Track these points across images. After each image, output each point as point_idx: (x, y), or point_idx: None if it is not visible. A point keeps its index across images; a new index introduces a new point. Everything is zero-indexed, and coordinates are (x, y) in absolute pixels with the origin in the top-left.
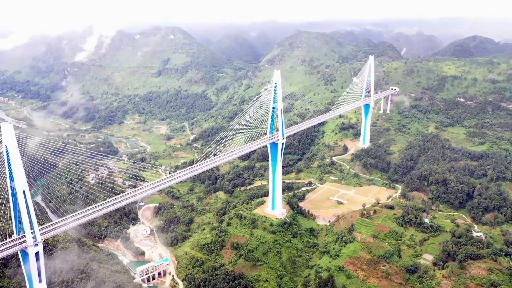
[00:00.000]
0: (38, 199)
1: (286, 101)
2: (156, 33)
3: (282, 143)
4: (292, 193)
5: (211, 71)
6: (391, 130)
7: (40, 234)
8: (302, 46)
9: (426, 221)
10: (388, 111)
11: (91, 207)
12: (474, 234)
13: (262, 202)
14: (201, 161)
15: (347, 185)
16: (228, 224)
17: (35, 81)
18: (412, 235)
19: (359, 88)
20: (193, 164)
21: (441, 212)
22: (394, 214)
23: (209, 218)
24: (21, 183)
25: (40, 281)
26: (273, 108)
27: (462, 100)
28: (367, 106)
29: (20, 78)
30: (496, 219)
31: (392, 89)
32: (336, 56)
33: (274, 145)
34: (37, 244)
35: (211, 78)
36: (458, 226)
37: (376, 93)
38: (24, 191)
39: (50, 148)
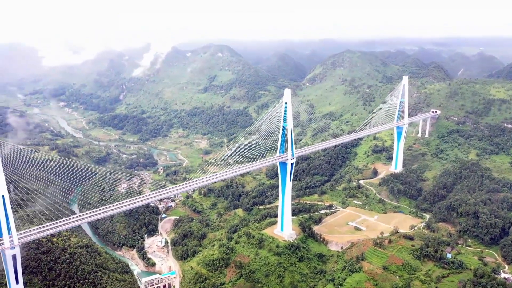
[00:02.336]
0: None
1: (323, 120)
2: (206, 51)
3: (292, 163)
4: (308, 215)
5: (253, 89)
6: (427, 155)
7: (18, 238)
8: (344, 65)
9: (449, 256)
10: (426, 135)
11: (76, 215)
12: (502, 275)
13: (274, 222)
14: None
15: (370, 211)
16: (237, 242)
17: (97, 94)
18: (429, 270)
19: (393, 109)
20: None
21: (469, 248)
22: (412, 246)
23: (221, 234)
24: (0, 188)
25: (17, 282)
26: (284, 127)
27: (509, 126)
28: (400, 129)
29: (85, 91)
30: None
31: (432, 111)
32: (380, 76)
33: (283, 164)
34: (14, 247)
35: (253, 95)
36: (485, 264)
37: (416, 115)
38: (3, 196)
39: (94, 157)
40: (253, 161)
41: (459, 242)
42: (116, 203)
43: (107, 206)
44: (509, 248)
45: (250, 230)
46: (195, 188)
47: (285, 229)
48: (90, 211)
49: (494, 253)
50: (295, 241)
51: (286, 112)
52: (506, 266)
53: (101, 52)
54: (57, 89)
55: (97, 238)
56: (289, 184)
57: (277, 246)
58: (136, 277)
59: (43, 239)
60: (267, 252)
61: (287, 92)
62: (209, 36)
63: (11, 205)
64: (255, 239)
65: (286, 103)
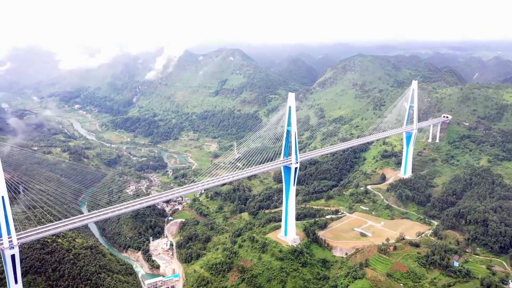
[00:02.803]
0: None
1: (333, 125)
2: (218, 54)
3: (296, 168)
4: (313, 220)
5: (264, 92)
6: (437, 161)
7: (17, 238)
8: (355, 69)
9: (456, 264)
10: (437, 140)
11: (75, 217)
12: (510, 285)
13: (278, 227)
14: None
15: (377, 217)
16: (240, 246)
17: (111, 97)
18: (435, 279)
19: (403, 114)
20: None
21: (477, 256)
22: (418, 253)
23: (225, 238)
24: (0, 189)
25: (16, 282)
26: (288, 131)
27: None
28: (409, 134)
29: (100, 94)
30: None
31: (444, 116)
32: (391, 80)
33: (287, 169)
34: (13, 247)
35: (264, 99)
36: (494, 273)
37: (427, 120)
38: (3, 197)
39: (105, 159)
40: (258, 165)
41: (467, 250)
42: (115, 205)
43: (106, 208)
44: None
45: (254, 234)
46: (199, 191)
47: (288, 234)
48: (89, 213)
49: (504, 262)
50: (299, 246)
51: (290, 116)
52: None
53: (116, 55)
54: (73, 92)
55: (104, 240)
56: (293, 189)
57: (280, 251)
58: (140, 279)
59: (48, 240)
60: (270, 257)
61: (291, 96)
62: (223, 39)
63: (22, 205)
64: (258, 244)
65: (290, 107)
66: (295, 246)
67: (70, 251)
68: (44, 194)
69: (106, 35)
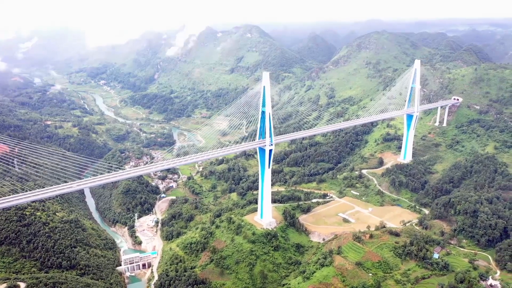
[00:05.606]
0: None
1: (342, 105)
2: (236, 31)
3: (270, 150)
4: (297, 203)
5: (278, 70)
6: (441, 146)
7: None
8: (370, 48)
9: (436, 256)
10: (444, 124)
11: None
12: (490, 281)
13: (257, 209)
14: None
15: (366, 203)
16: (217, 227)
17: (135, 73)
18: (409, 270)
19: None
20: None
21: (462, 249)
22: (396, 243)
23: (207, 218)
24: None
25: None
26: (263, 112)
27: None
28: (410, 117)
29: (124, 70)
30: None
31: (454, 99)
32: (408, 59)
33: (262, 150)
34: None
35: (277, 77)
36: (475, 268)
37: (436, 102)
38: None
39: (113, 135)
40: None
41: (451, 242)
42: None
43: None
44: (504, 252)
45: (232, 216)
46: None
47: (264, 217)
48: (50, 187)
49: (490, 256)
50: (274, 229)
51: (264, 96)
52: (498, 272)
53: (142, 32)
54: (100, 68)
55: (98, 214)
56: (268, 171)
57: (253, 234)
58: (121, 254)
59: (27, 212)
60: (242, 239)
61: (266, 75)
62: (249, 17)
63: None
64: (234, 225)
65: (264, 87)
66: (270, 229)
67: (47, 224)
68: (41, 168)
69: (133, 9)
